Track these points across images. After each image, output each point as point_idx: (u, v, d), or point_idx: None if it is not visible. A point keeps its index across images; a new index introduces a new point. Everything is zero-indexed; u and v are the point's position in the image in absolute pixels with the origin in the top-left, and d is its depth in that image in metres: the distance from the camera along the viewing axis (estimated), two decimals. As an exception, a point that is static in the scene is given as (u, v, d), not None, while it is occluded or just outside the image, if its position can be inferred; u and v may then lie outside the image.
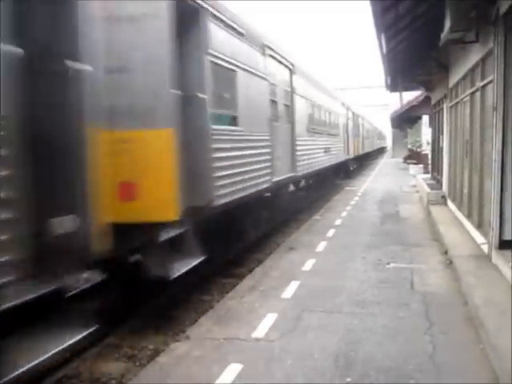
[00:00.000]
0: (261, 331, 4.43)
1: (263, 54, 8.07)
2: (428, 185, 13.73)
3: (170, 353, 4.10)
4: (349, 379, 3.50)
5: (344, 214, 11.42)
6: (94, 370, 4.34)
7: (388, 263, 6.75)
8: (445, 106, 12.24)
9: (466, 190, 8.86)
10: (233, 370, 3.70)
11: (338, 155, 16.93)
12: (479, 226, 7.45)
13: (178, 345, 4.25)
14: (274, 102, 8.67)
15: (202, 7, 5.27)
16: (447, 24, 6.79)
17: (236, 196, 6.25)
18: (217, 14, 5.70)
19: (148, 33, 4.39)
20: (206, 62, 5.37)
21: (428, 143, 18.80)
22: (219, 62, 5.84)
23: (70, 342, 3.19)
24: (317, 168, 12.77)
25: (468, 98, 8.59)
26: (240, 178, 6.44)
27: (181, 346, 4.22)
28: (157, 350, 4.70)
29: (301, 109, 10.70)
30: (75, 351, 4.35)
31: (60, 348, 3.09)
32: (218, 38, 5.79)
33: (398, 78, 13.48)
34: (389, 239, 8.37)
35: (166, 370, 3.76)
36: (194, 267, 4.92)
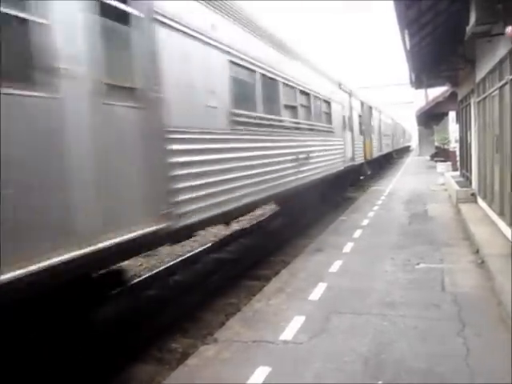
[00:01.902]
0: (289, 333, 4.41)
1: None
2: (457, 182, 13.41)
3: (199, 355, 4.12)
4: (380, 382, 3.44)
5: (371, 214, 11.27)
6: (124, 372, 4.41)
7: (417, 264, 6.61)
8: (472, 101, 11.94)
9: (497, 187, 8.61)
10: (261, 372, 3.69)
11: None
12: (512, 224, 7.21)
13: (207, 347, 4.26)
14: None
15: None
16: (473, 17, 6.62)
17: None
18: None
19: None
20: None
21: (456, 140, 18.38)
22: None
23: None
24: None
25: (497, 92, 8.35)
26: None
27: (209, 348, 4.23)
28: (185, 352, 4.75)
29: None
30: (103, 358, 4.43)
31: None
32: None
33: (423, 75, 13.24)
34: (417, 239, 8.20)
35: (195, 373, 3.79)
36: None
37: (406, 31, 8.10)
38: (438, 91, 20.43)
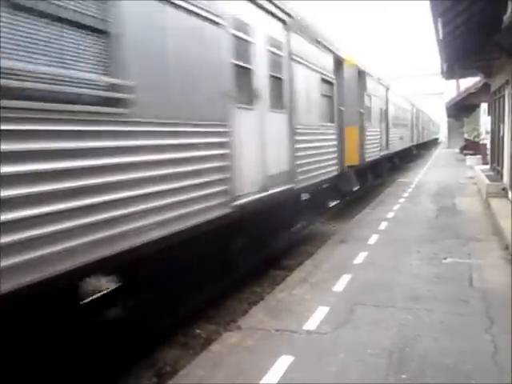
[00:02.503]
0: (312, 324, 4.40)
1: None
2: (487, 176, 13.06)
3: (223, 342, 4.16)
4: (404, 376, 3.40)
5: (396, 206, 11.10)
6: (149, 355, 4.49)
7: (444, 258, 6.49)
8: (506, 92, 11.55)
9: (530, 182, 8.35)
10: (284, 361, 3.70)
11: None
12: (545, 220, 6.99)
13: (230, 334, 4.30)
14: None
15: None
16: (511, 5, 6.39)
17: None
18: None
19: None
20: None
21: (487, 132, 17.86)
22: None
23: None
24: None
25: (533, 83, 8.06)
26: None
27: (233, 335, 4.27)
28: (209, 338, 4.80)
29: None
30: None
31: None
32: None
33: (455, 65, 12.85)
34: (445, 233, 8.04)
35: (218, 359, 3.82)
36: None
37: (440, 19, 7.86)
38: (469, 82, 19.89)
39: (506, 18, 6.75)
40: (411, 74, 49.01)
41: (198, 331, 5.07)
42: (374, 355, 3.73)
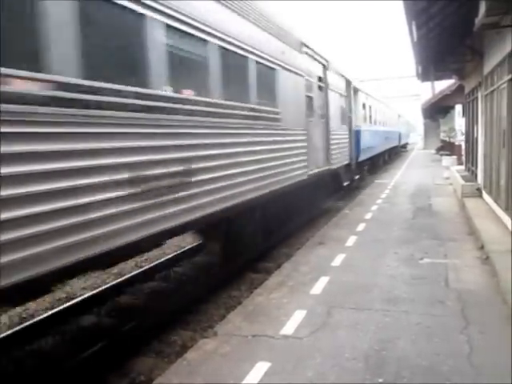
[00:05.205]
0: (289, 328, 4.35)
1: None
2: (462, 177, 13.29)
3: (198, 349, 4.07)
4: (381, 380, 3.38)
5: (374, 207, 11.18)
6: (123, 364, 4.38)
7: (421, 258, 6.54)
8: (479, 94, 11.78)
9: (503, 182, 8.50)
10: (261, 367, 3.64)
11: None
12: (518, 220, 7.11)
13: (206, 341, 4.21)
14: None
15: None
16: (482, 8, 6.49)
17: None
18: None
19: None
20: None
21: (462, 134, 18.21)
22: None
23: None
24: None
25: (505, 85, 8.20)
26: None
27: (209, 342, 4.18)
28: (185, 345, 4.72)
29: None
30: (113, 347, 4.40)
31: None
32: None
33: (430, 67, 13.05)
34: (422, 234, 8.11)
35: (194, 367, 3.74)
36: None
37: (414, 22, 7.95)
38: (445, 84, 20.26)
39: (477, 20, 6.85)
40: (388, 76, 49.63)
41: (173, 338, 4.97)
42: (351, 359, 3.70)
